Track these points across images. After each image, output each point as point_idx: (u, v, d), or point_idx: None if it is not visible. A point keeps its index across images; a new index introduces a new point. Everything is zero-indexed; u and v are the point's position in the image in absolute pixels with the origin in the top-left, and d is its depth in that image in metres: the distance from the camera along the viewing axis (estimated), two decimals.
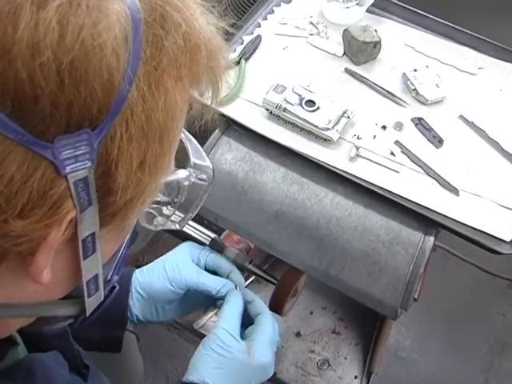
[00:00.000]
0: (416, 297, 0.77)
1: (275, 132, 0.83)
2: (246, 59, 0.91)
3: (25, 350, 0.43)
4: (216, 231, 1.14)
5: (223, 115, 0.85)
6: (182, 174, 0.38)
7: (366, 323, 1.08)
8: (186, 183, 0.38)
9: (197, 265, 0.74)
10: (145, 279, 0.71)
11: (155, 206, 0.39)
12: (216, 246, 0.94)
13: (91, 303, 0.38)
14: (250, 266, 0.92)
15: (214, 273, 0.75)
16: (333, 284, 0.78)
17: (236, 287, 0.74)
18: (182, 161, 0.40)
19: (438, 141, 0.82)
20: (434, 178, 0.79)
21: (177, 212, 0.41)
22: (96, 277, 0.35)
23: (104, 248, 0.33)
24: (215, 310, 1.08)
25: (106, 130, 0.26)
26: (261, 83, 0.87)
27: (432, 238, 0.76)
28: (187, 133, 0.40)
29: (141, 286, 0.70)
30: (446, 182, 0.78)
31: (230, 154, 0.83)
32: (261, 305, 0.73)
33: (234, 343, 0.64)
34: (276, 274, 0.93)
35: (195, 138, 0.42)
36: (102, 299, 0.39)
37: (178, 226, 0.41)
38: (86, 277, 0.34)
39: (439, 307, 1.64)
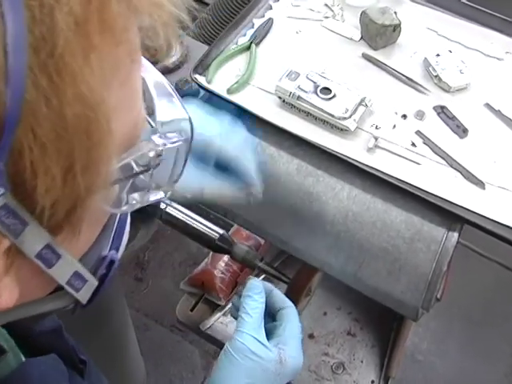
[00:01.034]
0: (439, 297, 0.77)
1: (288, 121, 0.83)
2: (257, 44, 0.91)
3: (18, 354, 0.43)
4: (224, 227, 1.15)
5: (233, 103, 0.85)
6: (141, 147, 0.32)
7: (382, 324, 1.08)
8: (152, 154, 0.33)
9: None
10: None
11: (127, 182, 0.34)
12: (224, 243, 0.95)
13: (83, 294, 0.37)
14: (261, 264, 0.92)
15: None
16: (349, 283, 0.78)
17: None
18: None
19: (462, 130, 0.82)
20: (458, 171, 0.79)
21: (158, 183, 0.37)
22: (76, 274, 0.35)
23: (75, 245, 0.33)
24: (223, 311, 1.09)
25: (6, 149, 0.23)
26: (273, 69, 0.87)
27: (456, 234, 0.76)
28: (156, 79, 0.36)
29: None
30: (471, 174, 0.78)
31: None
32: (282, 297, 0.70)
33: (264, 352, 0.61)
34: (287, 273, 0.93)
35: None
36: (97, 283, 0.38)
37: (162, 194, 0.37)
38: (62, 280, 0.34)
39: (458, 307, 1.65)
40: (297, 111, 0.83)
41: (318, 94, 0.82)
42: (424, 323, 1.65)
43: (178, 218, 0.99)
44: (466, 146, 0.81)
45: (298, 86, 0.82)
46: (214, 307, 1.10)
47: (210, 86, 0.86)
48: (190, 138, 0.35)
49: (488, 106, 0.85)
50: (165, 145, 0.34)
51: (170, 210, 1.00)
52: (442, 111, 0.84)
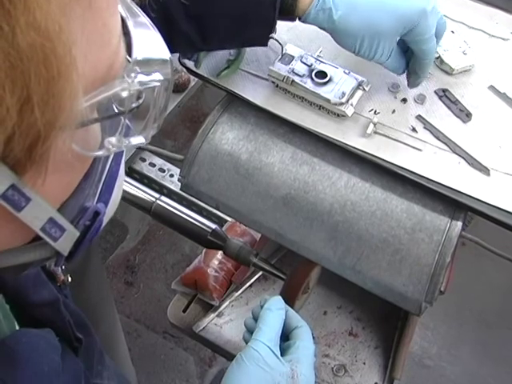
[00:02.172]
0: (442, 289, 0.78)
1: (282, 107, 0.84)
2: None
3: (12, 322, 0.44)
4: (217, 222, 1.16)
5: (224, 89, 0.86)
6: (114, 86, 0.32)
7: (386, 323, 1.09)
8: (125, 94, 0.33)
9: None
10: None
11: (98, 124, 0.35)
12: (217, 238, 0.96)
13: (63, 244, 0.38)
14: (256, 260, 0.94)
15: None
16: (348, 276, 0.79)
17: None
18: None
19: (465, 114, 0.83)
20: (462, 156, 0.80)
21: (135, 125, 0.37)
22: (51, 221, 0.35)
23: (48, 189, 0.33)
24: (217, 311, 1.10)
25: None
26: (265, 53, 0.89)
27: (459, 223, 0.77)
28: (137, 18, 0.35)
29: None
30: (475, 160, 0.80)
31: (232, 133, 0.85)
32: (297, 316, 0.74)
33: (277, 364, 0.64)
34: (284, 270, 0.95)
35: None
36: (78, 234, 0.39)
37: (142, 140, 0.37)
38: (35, 226, 0.34)
39: (470, 309, 1.65)
40: (291, 96, 0.85)
41: (313, 78, 0.83)
42: (433, 327, 1.66)
43: (168, 213, 1.01)
44: (469, 131, 0.82)
45: (292, 70, 0.83)
46: (208, 308, 1.11)
47: (200, 71, 0.88)
48: (169, 79, 0.35)
49: (493, 88, 0.87)
50: (140, 84, 0.33)
51: (159, 203, 1.01)
52: (444, 94, 0.85)
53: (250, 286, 1.13)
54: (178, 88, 1.74)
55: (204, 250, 1.18)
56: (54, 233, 0.36)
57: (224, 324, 1.09)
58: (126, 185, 1.01)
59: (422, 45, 0.77)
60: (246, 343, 0.70)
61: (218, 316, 1.10)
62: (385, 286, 0.77)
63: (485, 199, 0.76)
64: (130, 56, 0.34)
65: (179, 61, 0.89)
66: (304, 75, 0.83)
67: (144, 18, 0.36)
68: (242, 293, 1.13)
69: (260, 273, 1.13)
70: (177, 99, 1.75)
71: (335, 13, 0.74)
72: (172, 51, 0.36)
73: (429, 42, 0.76)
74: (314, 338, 0.73)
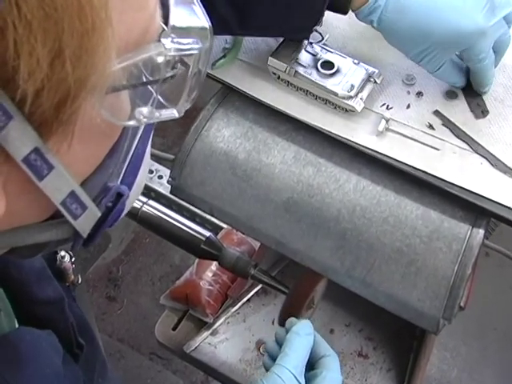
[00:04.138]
0: (462, 305, 0.79)
1: (284, 101, 0.85)
2: None
3: (12, 319, 0.45)
4: (211, 230, 1.17)
5: (219, 81, 0.87)
6: (149, 49, 0.34)
7: (400, 343, 1.10)
8: (161, 59, 0.35)
9: None
10: None
11: (132, 93, 0.36)
12: (211, 247, 0.97)
13: (83, 223, 0.39)
14: (255, 272, 0.95)
15: None
16: (358, 290, 0.80)
17: None
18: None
19: (480, 111, 0.84)
20: (484, 157, 0.81)
21: (168, 96, 0.39)
22: (73, 195, 0.37)
23: (72, 160, 0.35)
24: (211, 329, 1.11)
25: None
26: (265, 41, 0.90)
27: (481, 231, 0.78)
28: None
29: None
30: (499, 160, 0.80)
31: (229, 130, 0.86)
32: (325, 344, 0.75)
33: None
34: (287, 283, 0.96)
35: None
36: (99, 215, 0.41)
37: (175, 113, 0.39)
38: (56, 198, 0.36)
39: (494, 327, 1.66)
40: (294, 89, 0.86)
41: (318, 69, 0.84)
42: (453, 347, 1.66)
43: (156, 219, 1.02)
44: (493, 128, 0.83)
45: (296, 60, 0.84)
46: (201, 325, 1.12)
47: None
48: (208, 49, 0.37)
49: None
50: (177, 51, 0.35)
51: (147, 209, 1.02)
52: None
53: (248, 300, 1.14)
54: None
55: (196, 261, 1.19)
56: (75, 209, 0.38)
57: (219, 343, 1.10)
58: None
59: (477, 63, 0.80)
60: (267, 370, 0.71)
61: (211, 334, 1.11)
62: (398, 300, 0.78)
63: (510, 204, 0.77)
64: (166, 23, 0.36)
65: None
66: (309, 66, 0.84)
67: None
68: (238, 308, 1.14)
69: (259, 286, 1.14)
70: None
71: (385, 13, 0.78)
72: None
73: (484, 61, 0.79)
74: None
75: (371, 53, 0.90)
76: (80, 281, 0.57)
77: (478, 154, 0.81)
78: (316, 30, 0.83)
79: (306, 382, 0.69)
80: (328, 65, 0.84)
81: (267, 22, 0.80)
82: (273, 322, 1.12)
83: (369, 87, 0.84)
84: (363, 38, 0.92)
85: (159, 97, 0.37)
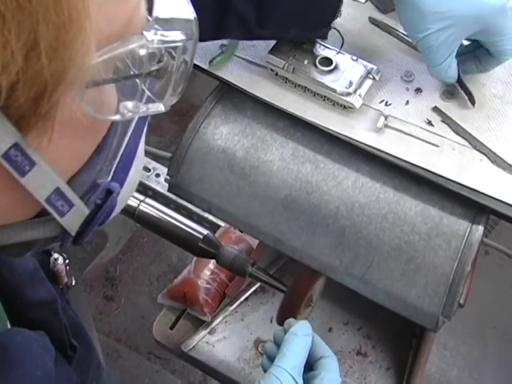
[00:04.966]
0: (462, 302, 0.79)
1: (282, 98, 0.85)
2: None
3: (4, 320, 0.45)
4: (209, 228, 1.17)
5: (216, 78, 0.87)
6: (130, 41, 0.33)
7: (399, 342, 1.10)
8: (143, 52, 0.34)
9: None
10: None
11: (115, 86, 0.36)
12: (209, 245, 0.97)
13: (70, 221, 0.39)
14: (253, 270, 0.95)
15: None
16: (356, 288, 0.80)
17: None
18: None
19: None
20: (484, 153, 0.81)
21: (154, 90, 0.38)
22: (58, 192, 0.36)
23: (56, 156, 0.34)
24: (209, 328, 1.11)
25: None
26: None
27: (481, 228, 0.78)
28: None
29: None
30: (499, 157, 0.81)
31: (226, 127, 0.86)
32: (323, 345, 0.75)
33: None
34: (285, 281, 0.96)
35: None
36: (87, 212, 0.40)
37: (162, 108, 0.38)
38: (40, 195, 0.36)
39: (494, 326, 1.66)
40: (292, 86, 0.86)
41: (316, 66, 0.84)
42: (453, 346, 1.66)
43: (153, 217, 1.02)
44: (492, 125, 0.83)
45: (294, 57, 0.84)
46: (199, 324, 1.12)
47: None
48: (194, 41, 0.37)
49: None
50: (160, 43, 0.35)
51: (144, 207, 1.02)
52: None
53: (246, 299, 1.14)
54: None
55: (194, 259, 1.19)
56: (61, 206, 0.37)
57: (217, 342, 1.10)
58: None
59: (499, 47, 0.79)
60: (265, 371, 0.71)
61: (209, 333, 1.11)
62: (397, 298, 0.78)
63: (509, 201, 0.77)
64: (150, 15, 0.35)
65: None
66: (307, 62, 0.84)
67: None
68: (236, 307, 1.14)
69: (257, 284, 1.14)
70: None
71: None
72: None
73: (507, 45, 0.78)
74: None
75: (370, 49, 0.90)
76: (74, 283, 0.57)
77: (477, 150, 0.82)
78: (335, 28, 0.82)
79: (304, 383, 0.69)
80: (326, 61, 0.84)
81: (287, 18, 0.79)
82: (271, 321, 1.12)
83: (367, 84, 0.84)
84: (362, 34, 0.92)
85: (145, 91, 0.37)
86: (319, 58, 0.84)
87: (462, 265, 0.77)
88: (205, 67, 0.88)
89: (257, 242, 1.14)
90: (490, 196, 0.78)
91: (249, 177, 0.83)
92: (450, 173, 0.79)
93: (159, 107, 0.39)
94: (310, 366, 0.74)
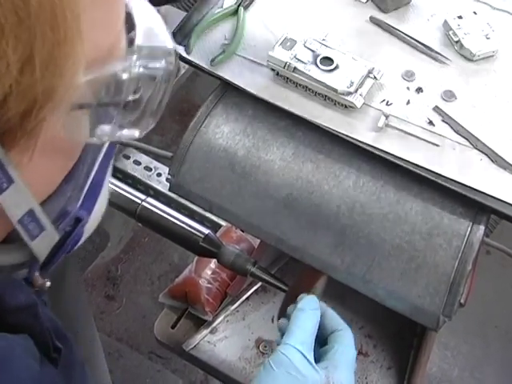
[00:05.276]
0: (462, 301, 0.79)
1: (283, 98, 0.85)
2: (246, 7, 0.94)
3: None
4: (210, 227, 1.17)
5: (218, 77, 0.88)
6: (115, 65, 0.34)
7: (400, 341, 1.10)
8: (126, 76, 0.35)
9: None
10: None
11: (96, 110, 0.36)
12: (210, 244, 0.97)
13: (40, 246, 0.39)
14: (254, 270, 0.95)
15: None
16: (357, 287, 0.80)
17: None
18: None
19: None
20: (484, 153, 0.81)
21: (131, 117, 0.38)
22: (31, 213, 0.36)
23: (32, 176, 0.34)
24: (210, 327, 1.11)
25: None
26: (264, 37, 0.90)
27: (482, 227, 0.78)
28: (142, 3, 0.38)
29: None
30: (500, 156, 0.81)
31: (228, 126, 0.86)
32: (337, 318, 0.73)
33: (310, 371, 0.64)
34: (286, 280, 0.96)
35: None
36: (57, 238, 0.40)
37: (136, 134, 0.39)
38: (13, 215, 0.35)
39: (495, 326, 1.66)
40: (293, 85, 0.86)
41: (317, 65, 0.84)
42: (454, 346, 1.66)
43: (155, 216, 1.02)
44: (493, 124, 0.84)
45: (295, 56, 0.85)
46: (200, 323, 1.12)
47: (191, 57, 0.89)
48: (171, 70, 0.37)
49: None
50: (142, 68, 0.36)
51: (145, 206, 1.03)
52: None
53: (247, 298, 1.15)
54: None
55: (195, 259, 1.20)
56: (33, 229, 0.37)
57: (218, 341, 1.10)
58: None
59: None
60: None
61: (211, 332, 1.11)
62: (398, 297, 0.78)
63: (510, 200, 0.78)
64: (132, 43, 0.36)
65: None
66: (308, 62, 0.84)
67: (148, 5, 0.38)
68: (238, 306, 1.14)
69: (258, 284, 1.14)
70: None
71: None
72: None
73: None
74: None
75: (371, 49, 0.90)
76: (48, 284, 0.56)
77: (478, 149, 0.82)
78: None
79: (318, 357, 0.68)
80: (327, 61, 0.84)
81: None
82: (272, 320, 1.12)
83: (368, 83, 0.84)
84: (363, 34, 0.92)
85: (122, 116, 0.37)
86: (320, 57, 0.85)
87: (462, 264, 0.77)
88: (206, 67, 0.88)
89: (258, 241, 1.14)
90: (490, 195, 0.78)
91: (250, 176, 0.84)
92: (451, 172, 0.79)
93: (134, 133, 0.39)
94: (324, 340, 0.72)
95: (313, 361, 0.65)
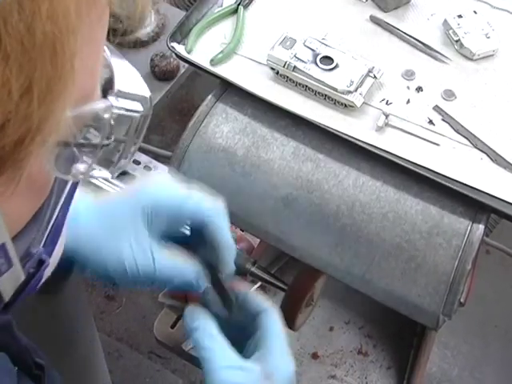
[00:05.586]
0: (462, 300, 0.79)
1: (283, 97, 0.85)
2: (245, 6, 0.94)
3: None
4: None
5: (217, 76, 0.88)
6: (98, 104, 0.36)
7: (400, 341, 1.10)
8: (107, 116, 0.37)
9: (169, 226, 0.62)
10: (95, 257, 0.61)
11: (74, 149, 0.37)
12: None
13: (6, 284, 0.39)
14: (254, 269, 0.95)
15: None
16: (357, 286, 0.80)
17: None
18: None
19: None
20: (484, 152, 0.81)
21: (107, 158, 0.40)
22: (3, 247, 0.36)
23: (7, 208, 0.34)
24: None
25: None
26: (264, 36, 0.90)
27: (481, 227, 0.78)
28: (113, 51, 0.40)
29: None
30: (499, 156, 0.81)
31: (227, 126, 0.86)
32: (256, 301, 0.64)
33: (244, 376, 0.56)
34: (286, 280, 0.96)
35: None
36: (23, 278, 0.40)
37: (108, 174, 0.40)
38: None
39: (495, 325, 1.66)
40: (293, 85, 0.86)
41: (317, 64, 0.84)
42: (454, 345, 1.66)
43: None
44: (492, 123, 0.84)
45: (294, 55, 0.85)
46: None
47: (191, 57, 0.89)
48: (147, 116, 0.39)
49: None
50: (123, 109, 0.37)
51: None
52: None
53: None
54: (166, 76, 1.74)
55: None
56: (1, 264, 0.37)
57: None
58: (106, 184, 1.01)
59: None
60: None
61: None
62: (398, 297, 0.78)
63: (510, 199, 0.78)
64: (111, 87, 0.38)
65: (168, 45, 0.90)
66: (308, 61, 0.84)
67: (121, 55, 0.40)
68: None
69: (258, 283, 1.14)
70: (164, 89, 1.75)
71: None
72: None
73: None
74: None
75: (371, 48, 0.90)
76: (8, 300, 0.55)
77: (477, 149, 0.82)
78: None
79: (250, 351, 0.60)
80: (327, 60, 0.84)
81: None
82: None
83: (368, 82, 0.84)
84: (363, 33, 0.92)
85: (98, 156, 0.38)
86: (320, 56, 0.84)
87: (462, 263, 0.77)
88: (206, 66, 0.88)
89: (258, 240, 1.14)
90: (490, 195, 0.78)
91: (249, 175, 0.83)
92: (451, 171, 0.79)
93: (106, 173, 0.40)
94: (250, 328, 0.63)
95: (239, 362, 0.57)
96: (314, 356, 1.08)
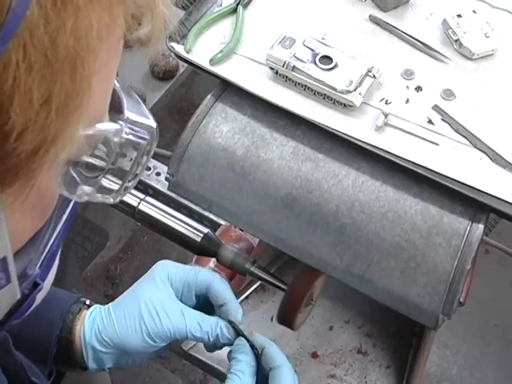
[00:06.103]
0: (462, 300, 0.79)
1: (282, 96, 0.85)
2: (245, 6, 0.94)
3: None
4: (209, 226, 1.17)
5: (217, 76, 0.87)
6: (109, 126, 0.37)
7: (399, 340, 1.10)
8: (116, 139, 0.38)
9: (183, 295, 0.75)
10: (113, 328, 0.70)
11: (81, 170, 0.38)
12: (210, 243, 0.97)
13: (2, 299, 0.38)
14: (253, 269, 0.95)
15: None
16: (357, 286, 0.80)
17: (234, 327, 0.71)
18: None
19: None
20: (484, 152, 0.81)
21: (110, 180, 0.41)
22: (4, 261, 0.36)
23: (12, 223, 0.34)
24: None
25: None
26: (263, 35, 0.90)
27: (481, 226, 0.78)
28: (123, 84, 0.42)
29: (106, 334, 0.69)
30: (499, 155, 0.81)
31: (227, 126, 0.86)
32: (274, 354, 0.70)
33: None
34: (286, 279, 0.96)
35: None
36: (19, 297, 0.40)
37: (111, 200, 0.41)
38: None
39: (494, 325, 1.66)
40: (292, 84, 0.86)
41: (317, 64, 0.84)
42: (453, 345, 1.66)
43: (154, 216, 1.02)
44: (492, 123, 0.83)
45: (294, 55, 0.84)
46: None
47: (190, 56, 0.89)
48: (151, 143, 0.41)
49: None
50: (131, 134, 0.39)
51: (144, 205, 1.02)
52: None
53: (247, 297, 1.14)
54: (166, 75, 1.75)
55: (194, 258, 1.19)
56: (0, 278, 0.37)
57: None
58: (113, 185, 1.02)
59: None
60: None
61: None
62: (398, 296, 0.78)
63: (509, 199, 0.77)
64: (121, 112, 0.40)
65: (167, 45, 0.90)
66: (307, 60, 0.84)
67: (124, 85, 0.42)
68: None
69: (258, 283, 1.14)
70: (164, 88, 1.75)
71: None
72: None
73: None
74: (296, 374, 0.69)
75: (370, 47, 0.90)
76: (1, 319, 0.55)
77: (477, 148, 0.82)
78: None
79: None
80: (326, 59, 0.84)
81: None
82: (271, 319, 1.12)
83: (367, 82, 0.84)
84: (362, 32, 0.92)
85: (101, 180, 0.39)
86: (319, 56, 0.84)
87: (462, 263, 0.77)
88: (205, 66, 0.88)
89: (257, 240, 1.14)
90: (489, 194, 0.78)
91: (249, 175, 0.83)
92: (450, 171, 0.79)
93: (109, 200, 0.41)
94: (266, 378, 0.69)
95: None
96: (314, 355, 1.08)
